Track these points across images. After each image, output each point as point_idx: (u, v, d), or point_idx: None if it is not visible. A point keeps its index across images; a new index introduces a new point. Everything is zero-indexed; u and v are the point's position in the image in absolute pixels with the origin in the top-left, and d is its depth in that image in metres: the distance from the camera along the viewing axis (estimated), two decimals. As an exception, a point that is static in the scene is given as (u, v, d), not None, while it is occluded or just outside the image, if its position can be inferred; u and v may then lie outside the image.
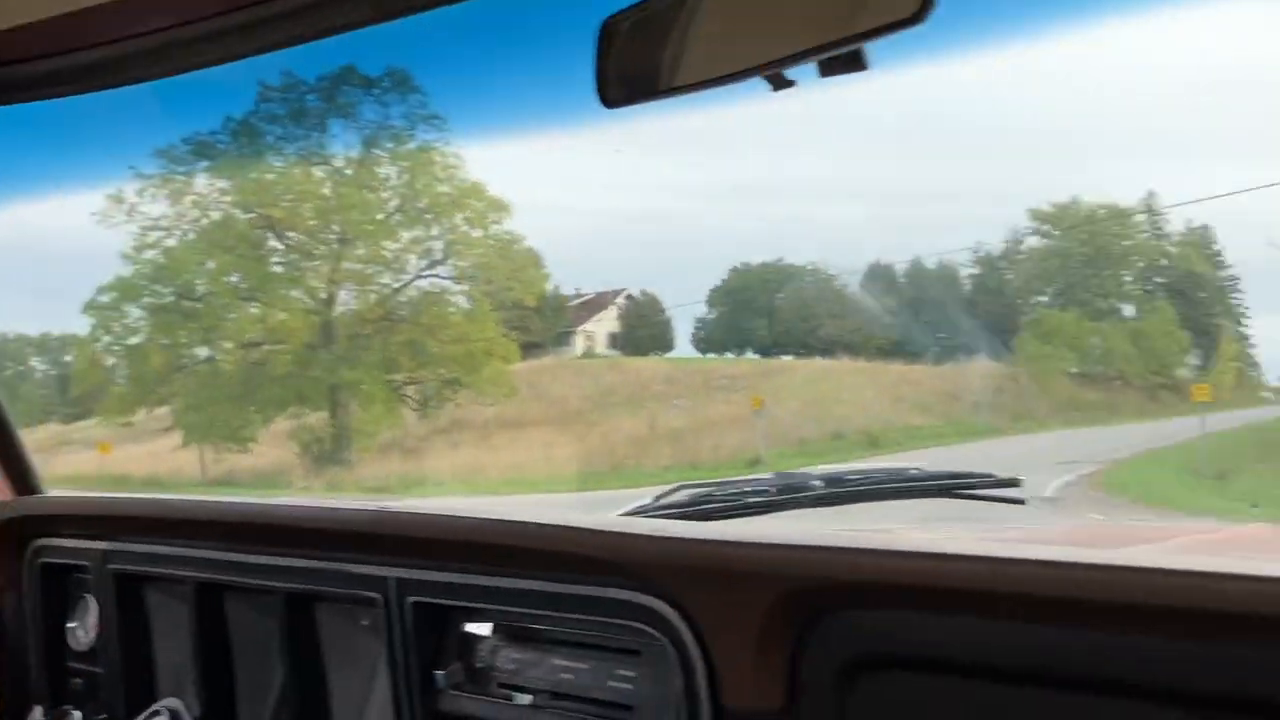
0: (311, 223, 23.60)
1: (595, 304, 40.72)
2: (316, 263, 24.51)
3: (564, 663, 1.44)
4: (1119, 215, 33.84)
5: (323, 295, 25.08)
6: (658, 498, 1.79)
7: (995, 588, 1.06)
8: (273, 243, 24.71)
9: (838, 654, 1.19)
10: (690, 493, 1.81)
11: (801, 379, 27.78)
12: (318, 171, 23.90)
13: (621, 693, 1.36)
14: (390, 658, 1.58)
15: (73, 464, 23.11)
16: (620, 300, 40.43)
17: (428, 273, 26.00)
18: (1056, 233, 34.47)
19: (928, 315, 35.87)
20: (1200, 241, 34.76)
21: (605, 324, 40.20)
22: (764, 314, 35.62)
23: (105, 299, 22.83)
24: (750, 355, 35.89)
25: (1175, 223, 34.89)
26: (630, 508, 1.73)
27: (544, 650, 1.48)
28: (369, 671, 1.67)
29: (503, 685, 1.52)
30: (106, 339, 23.46)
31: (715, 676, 1.24)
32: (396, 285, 25.87)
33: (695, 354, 37.74)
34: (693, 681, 1.26)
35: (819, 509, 1.76)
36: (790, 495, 1.77)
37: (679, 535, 1.34)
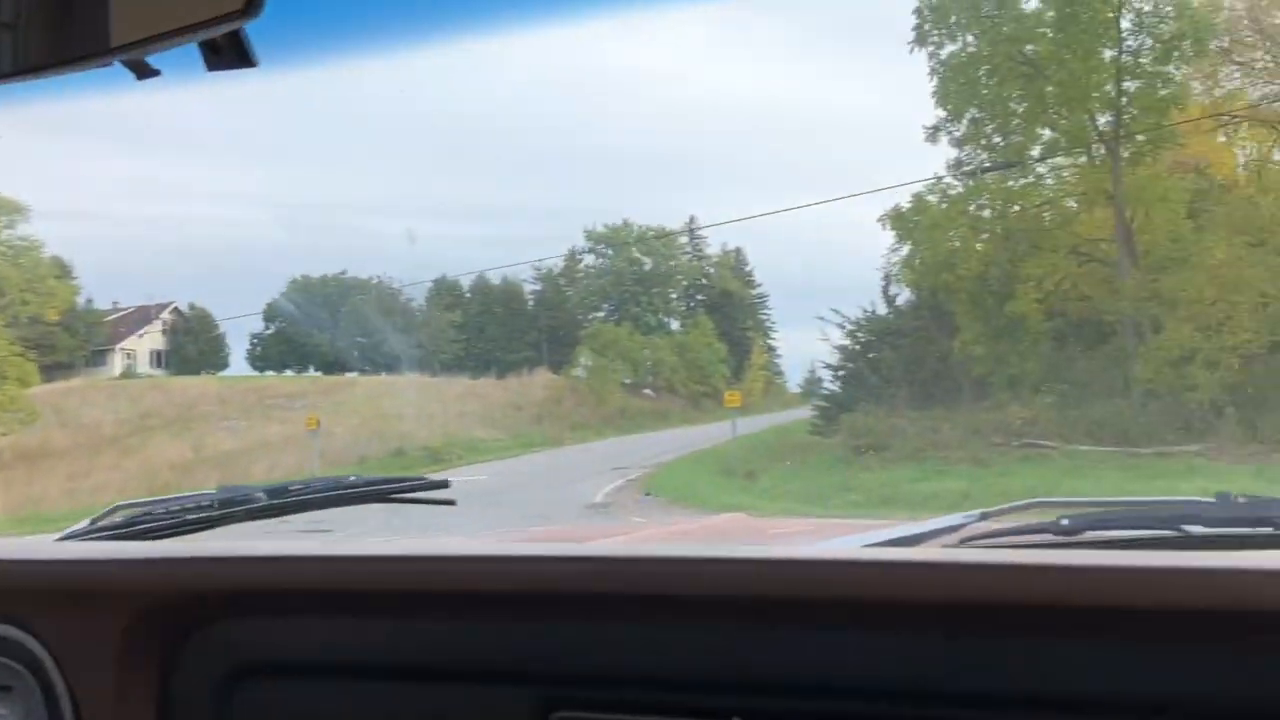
0: None
1: (136, 319, 37.17)
2: None
3: None
4: (665, 238, 36.46)
5: None
6: (93, 520, 1.66)
7: (364, 588, 1.07)
8: None
9: (210, 669, 1.15)
10: (127, 513, 1.70)
11: (364, 395, 27.03)
12: None
13: None
14: None
15: None
16: (166, 315, 37.21)
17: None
18: (610, 252, 36.53)
19: (493, 330, 36.56)
20: (734, 263, 38.35)
21: (149, 340, 36.82)
22: (326, 329, 34.48)
23: None
24: (313, 372, 34.55)
25: (713, 245, 38.28)
26: (64, 532, 1.61)
27: None
28: None
29: None
30: None
31: (78, 708, 1.17)
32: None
33: (252, 372, 35.80)
34: (57, 714, 1.18)
35: (261, 521, 1.70)
36: (231, 509, 1.70)
37: (28, 557, 1.26)
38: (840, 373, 20.70)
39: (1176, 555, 1.00)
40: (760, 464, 17.67)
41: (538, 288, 38.02)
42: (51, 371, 29.49)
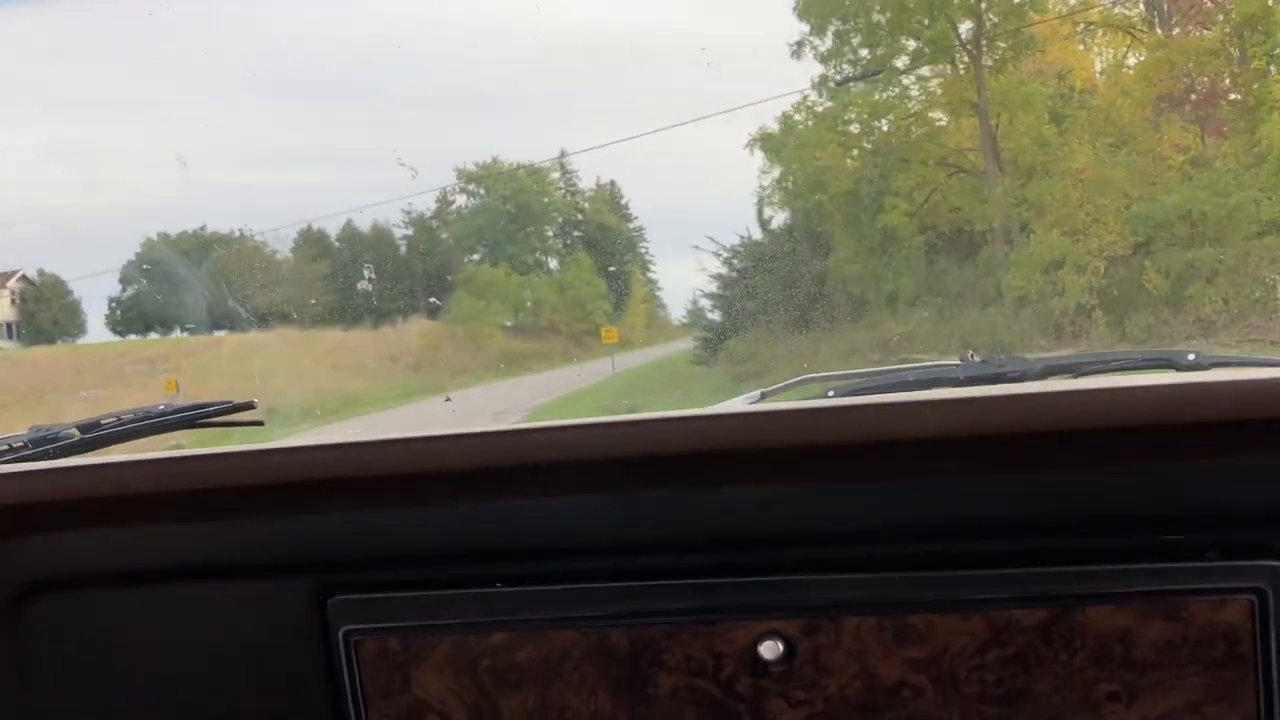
0: None
1: (-20, 290, 35.02)
2: None
3: None
4: (537, 174, 35.66)
5: None
6: None
7: (138, 491, 1.11)
8: None
9: (2, 585, 1.18)
10: None
11: (230, 354, 25.90)
12: None
13: None
14: None
15: None
16: (13, 284, 35.13)
17: None
18: (482, 191, 35.58)
19: (364, 278, 35.39)
20: (610, 196, 37.81)
21: (-3, 312, 34.79)
22: (187, 288, 32.90)
23: None
24: (179, 333, 33.05)
25: (586, 179, 37.61)
26: None
27: None
28: None
29: None
30: None
31: None
32: None
33: (114, 337, 34.04)
34: None
35: (75, 457, 1.67)
36: (43, 448, 1.70)
37: None
38: (719, 301, 20.50)
39: (893, 395, 1.05)
40: (642, 398, 17.38)
41: (409, 232, 36.92)
42: (-111, 352, 27.58)
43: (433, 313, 31.60)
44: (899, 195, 17.69)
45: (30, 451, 1.68)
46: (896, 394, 1.08)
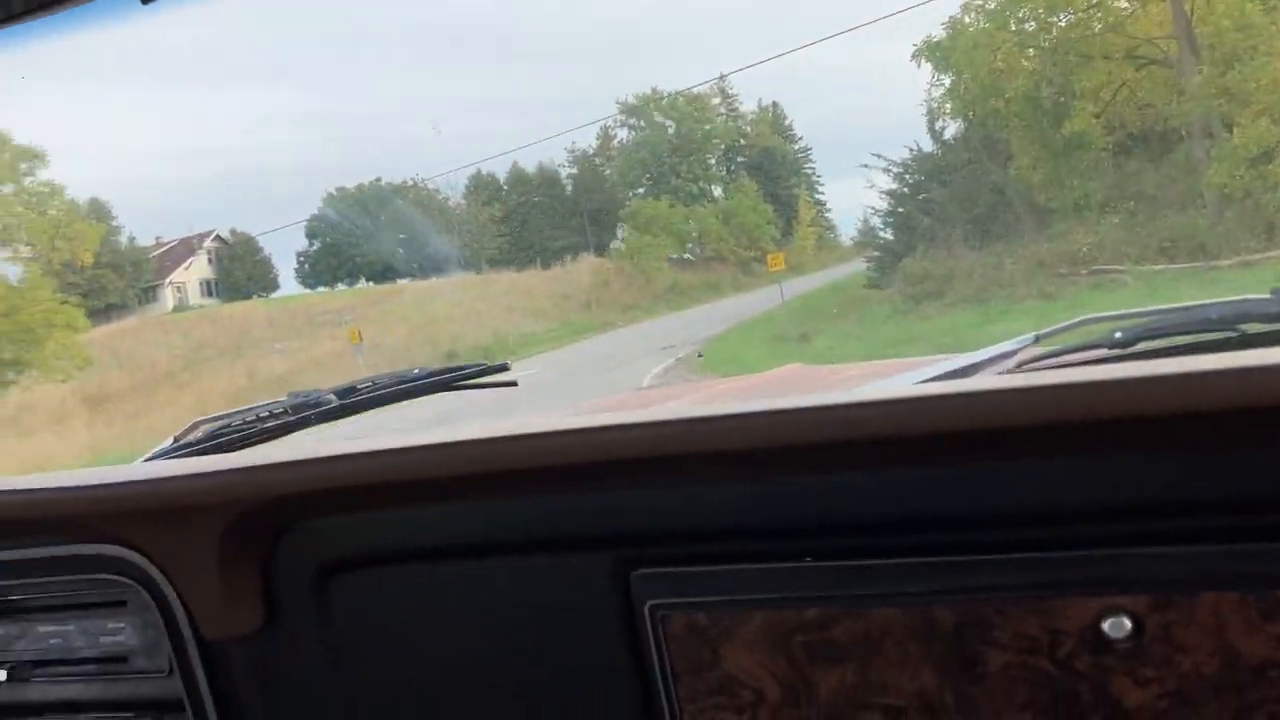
0: None
1: (180, 252, 37.04)
2: None
3: (51, 628, 1.41)
4: (696, 101, 35.12)
5: None
6: (176, 438, 1.76)
7: (438, 474, 1.14)
8: None
9: (306, 566, 1.24)
10: (208, 427, 1.82)
11: (411, 301, 26.70)
12: None
13: (114, 645, 1.36)
14: None
15: None
16: (209, 244, 37.07)
17: (-49, 242, 22.18)
18: (642, 124, 35.34)
19: (535, 220, 35.86)
20: (772, 118, 36.95)
21: (196, 271, 36.75)
22: (369, 238, 34.06)
23: None
24: (363, 283, 34.32)
25: (748, 102, 36.87)
26: (150, 453, 1.69)
27: (27, 620, 1.43)
28: None
29: None
30: None
31: (191, 613, 1.28)
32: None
33: (304, 290, 35.63)
34: (174, 622, 1.29)
35: (335, 422, 1.80)
36: (304, 414, 1.80)
37: (124, 480, 1.29)
38: (891, 219, 19.78)
39: (1232, 356, 0.93)
40: (814, 325, 16.95)
41: (574, 171, 37.11)
42: (106, 314, 29.67)
43: (600, 250, 31.78)
44: (1084, 97, 16.50)
45: (294, 418, 1.76)
46: (1202, 359, 0.95)
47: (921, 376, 1.31)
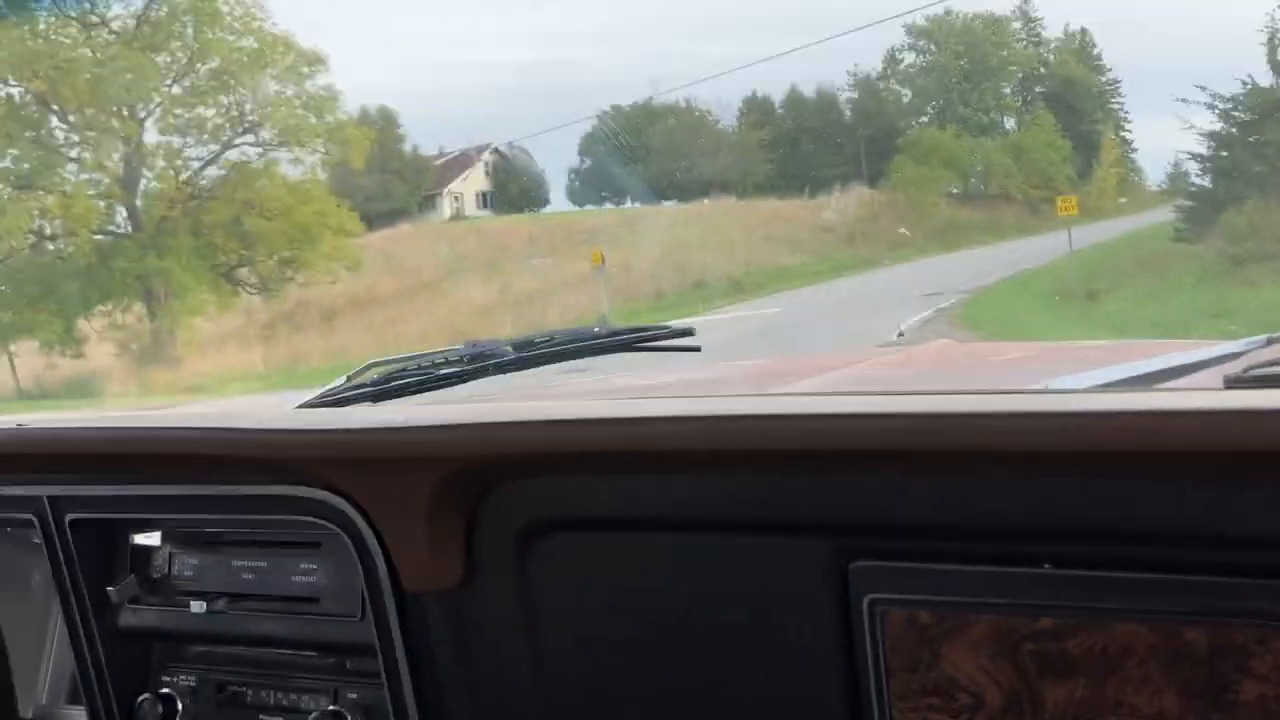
0: (86, 93, 20.67)
1: (460, 163, 37.98)
2: (103, 137, 21.69)
3: (245, 563, 1.46)
4: (994, 25, 32.19)
5: (120, 175, 22.32)
6: (349, 377, 1.74)
7: (642, 447, 1.13)
8: (54, 121, 21.83)
9: (509, 525, 1.24)
10: (381, 370, 1.80)
11: (666, 224, 25.95)
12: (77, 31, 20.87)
13: (305, 586, 1.40)
14: (57, 579, 1.58)
15: None
16: (487, 156, 37.81)
17: (239, 141, 23.22)
18: (933, 47, 32.77)
19: (804, 146, 34.25)
20: (1080, 46, 33.37)
21: (473, 183, 37.63)
22: (637, 158, 33.68)
23: None
24: (630, 204, 34.12)
25: (1053, 28, 33.47)
26: (323, 389, 1.71)
27: (222, 554, 1.49)
28: (43, 596, 1.68)
29: (182, 593, 1.52)
30: None
31: (393, 562, 1.28)
32: (205, 158, 23.12)
33: (572, 208, 35.84)
34: (372, 569, 1.30)
35: (509, 374, 1.79)
36: (480, 364, 1.79)
37: (339, 426, 1.32)
38: (1211, 164, 17.06)
39: None
40: (1106, 282, 14.76)
41: (854, 95, 35.03)
42: (391, 219, 30.73)
43: (874, 181, 29.86)
44: None
45: (470, 367, 1.76)
46: None
47: (1108, 377, 1.26)
